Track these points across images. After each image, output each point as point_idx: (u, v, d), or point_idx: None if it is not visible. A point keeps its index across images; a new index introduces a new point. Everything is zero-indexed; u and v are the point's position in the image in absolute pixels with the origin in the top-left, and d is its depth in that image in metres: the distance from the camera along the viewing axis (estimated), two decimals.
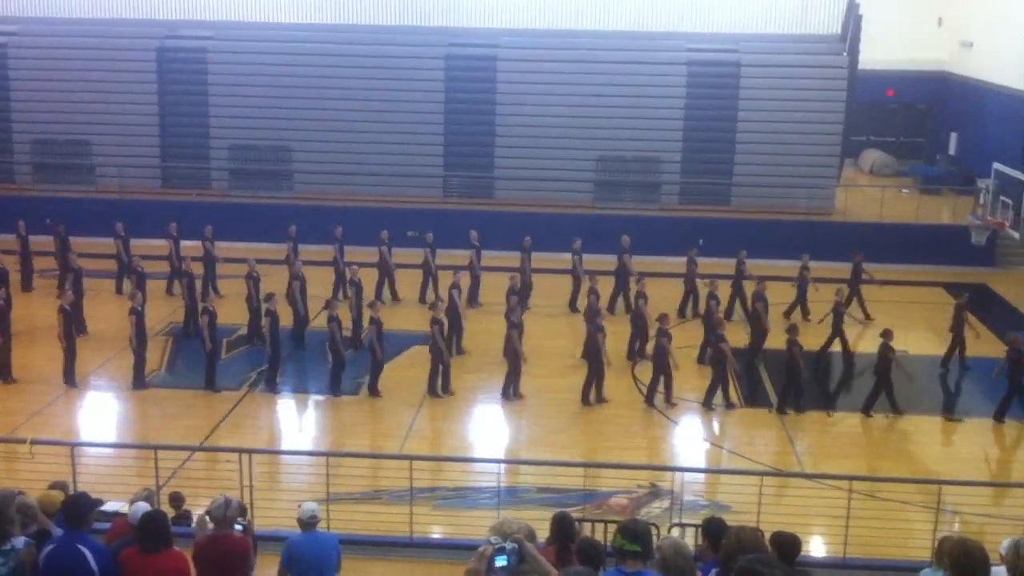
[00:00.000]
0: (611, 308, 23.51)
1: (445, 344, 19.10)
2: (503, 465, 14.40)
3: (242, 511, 9.10)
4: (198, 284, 22.38)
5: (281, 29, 32.17)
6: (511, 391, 18.81)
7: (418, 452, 15.73)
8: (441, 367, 18.88)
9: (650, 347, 19.47)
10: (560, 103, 30.09)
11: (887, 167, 36.30)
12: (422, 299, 23.42)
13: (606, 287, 23.01)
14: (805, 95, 30.13)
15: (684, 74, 30.44)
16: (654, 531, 8.90)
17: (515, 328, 18.91)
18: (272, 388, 19.12)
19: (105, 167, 30.52)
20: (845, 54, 30.87)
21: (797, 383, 18.52)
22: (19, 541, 7.03)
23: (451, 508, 14.52)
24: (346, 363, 19.19)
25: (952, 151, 35.44)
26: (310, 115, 30.28)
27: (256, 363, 20.38)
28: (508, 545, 4.61)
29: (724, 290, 22.38)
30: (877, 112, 37.60)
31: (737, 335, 20.93)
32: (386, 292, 23.86)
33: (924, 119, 38.29)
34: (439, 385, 18.91)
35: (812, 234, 27.58)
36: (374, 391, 18.93)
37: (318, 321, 21.16)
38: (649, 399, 18.68)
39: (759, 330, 20.81)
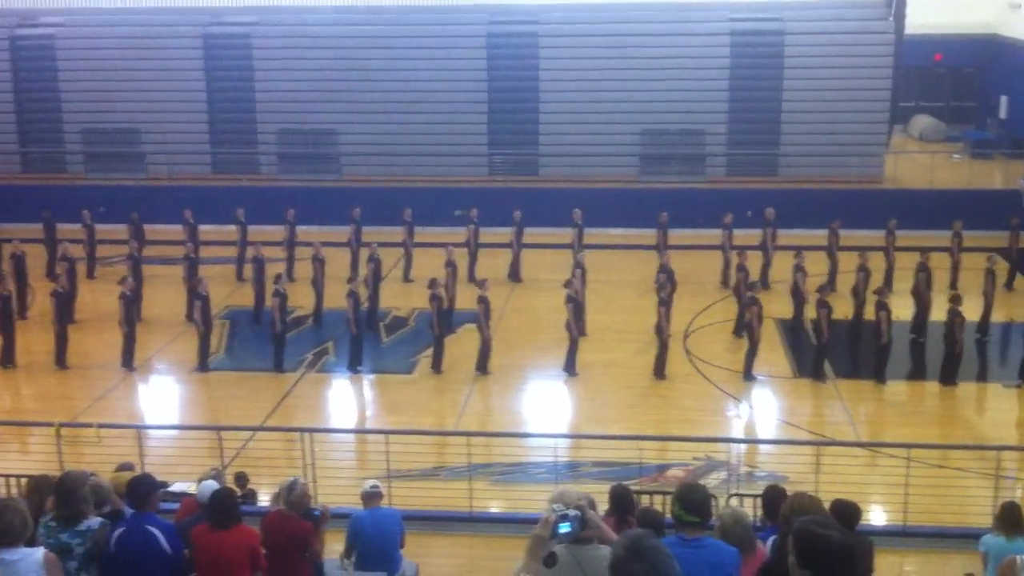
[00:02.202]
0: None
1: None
2: (559, 440, 14.54)
3: (307, 497, 9.22)
4: (268, 268, 22.23)
5: (324, 12, 32.32)
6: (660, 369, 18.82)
7: (474, 429, 15.89)
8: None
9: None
10: (603, 78, 29.99)
11: (937, 132, 35.83)
12: (471, 278, 23.58)
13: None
14: (851, 62, 29.76)
15: (727, 44, 30.18)
16: (713, 501, 8.98)
17: (663, 306, 18.81)
18: (354, 369, 19.33)
19: (155, 154, 30.95)
20: (891, 19, 30.44)
21: (955, 354, 18.30)
22: (94, 521, 7.13)
23: (509, 483, 14.69)
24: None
25: (1003, 115, 34.86)
26: (355, 97, 30.44)
27: (313, 344, 20.70)
28: (571, 512, 4.69)
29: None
30: (925, 77, 37.07)
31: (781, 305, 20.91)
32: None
33: (973, 83, 37.65)
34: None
35: (861, 202, 27.34)
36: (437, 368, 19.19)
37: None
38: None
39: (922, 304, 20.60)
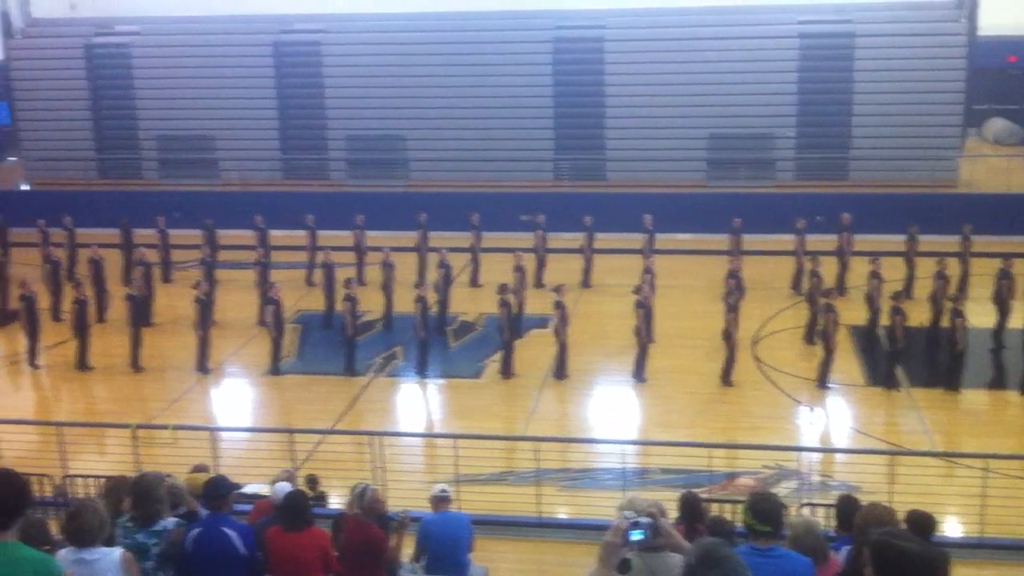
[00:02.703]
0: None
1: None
2: (627, 446, 14.49)
3: (378, 502, 9.31)
4: (338, 273, 22.36)
5: (391, 19, 32.57)
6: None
7: (542, 434, 15.90)
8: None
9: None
10: (670, 82, 29.91)
11: (1012, 135, 35.04)
12: (538, 283, 23.59)
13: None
14: (923, 64, 29.29)
15: (796, 47, 29.91)
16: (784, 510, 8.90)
17: (732, 312, 18.71)
18: (422, 374, 19.51)
19: (227, 161, 31.48)
20: (963, 20, 29.90)
21: None
22: (169, 522, 7.26)
23: (577, 489, 14.68)
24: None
25: None
26: (422, 103, 30.67)
27: (382, 348, 20.90)
28: (643, 520, 4.67)
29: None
30: (999, 79, 36.23)
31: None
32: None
33: None
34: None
35: (934, 206, 26.82)
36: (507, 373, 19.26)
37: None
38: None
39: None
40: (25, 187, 33.04)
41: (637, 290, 19.28)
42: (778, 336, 21.07)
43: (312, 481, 13.17)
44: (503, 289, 19.34)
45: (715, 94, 29.66)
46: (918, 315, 19.91)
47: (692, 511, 8.86)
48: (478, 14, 32.09)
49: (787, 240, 23.82)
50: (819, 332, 19.05)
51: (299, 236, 25.08)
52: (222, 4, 33.27)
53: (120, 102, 32.60)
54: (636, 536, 4.60)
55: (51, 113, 32.71)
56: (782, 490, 13.97)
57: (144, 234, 25.28)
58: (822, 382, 18.35)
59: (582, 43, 31.02)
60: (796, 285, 23.25)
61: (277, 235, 25.56)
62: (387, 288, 21.87)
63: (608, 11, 31.73)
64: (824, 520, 10.24)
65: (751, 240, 24.55)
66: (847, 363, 19.38)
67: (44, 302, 22.15)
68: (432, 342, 19.97)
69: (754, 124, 29.77)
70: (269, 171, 31.54)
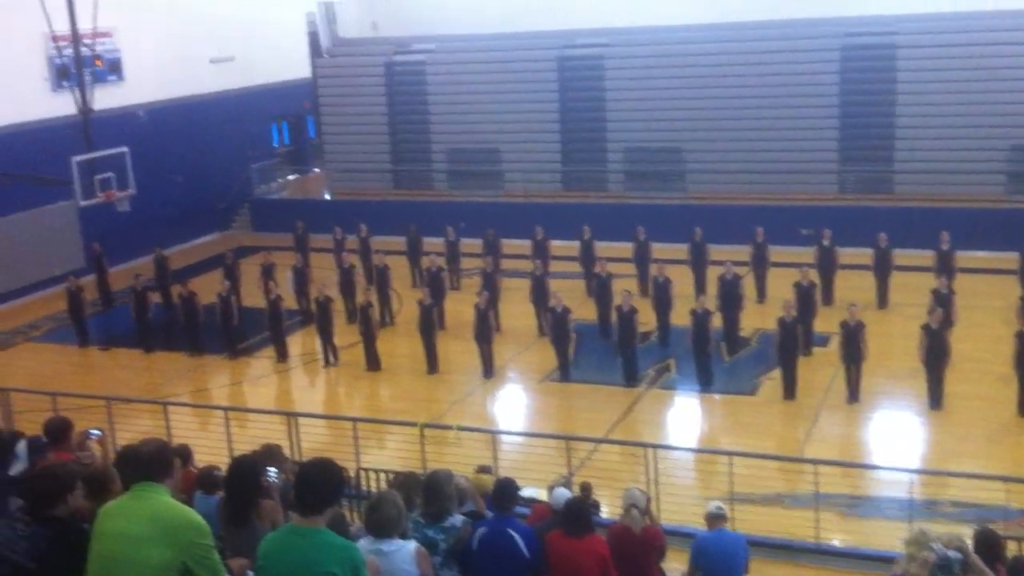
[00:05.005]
0: None
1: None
2: (913, 475, 13.80)
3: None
4: (616, 284, 22.51)
5: (672, 31, 32.55)
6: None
7: (819, 456, 15.41)
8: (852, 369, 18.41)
9: None
10: (967, 89, 28.15)
11: None
12: (826, 300, 22.77)
13: None
14: None
15: None
16: None
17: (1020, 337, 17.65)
18: (704, 388, 19.45)
19: (511, 172, 32.46)
20: None
21: None
22: (457, 519, 7.49)
23: (858, 516, 14.13)
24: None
25: None
26: (701, 115, 30.42)
27: (655, 360, 20.91)
28: (952, 554, 4.51)
29: None
30: None
31: None
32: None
33: None
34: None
35: None
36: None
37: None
38: None
39: None
40: (327, 196, 35.50)
41: (932, 311, 18.34)
42: None
43: (586, 489, 13.36)
44: (785, 306, 18.91)
45: (1019, 102, 27.68)
46: None
47: (991, 549, 8.34)
48: (762, 23, 31.56)
49: None
50: None
51: (578, 246, 25.49)
52: (510, 23, 34.34)
53: (415, 117, 34.28)
54: (944, 572, 4.46)
55: (352, 127, 34.85)
56: None
57: (433, 242, 26.50)
58: None
59: (872, 50, 29.83)
60: None
61: (557, 245, 26.10)
62: (661, 300, 21.85)
63: (900, 17, 30.33)
64: None
65: None
66: None
67: (340, 305, 23.66)
68: (710, 356, 19.71)
69: None
70: (550, 183, 32.27)
